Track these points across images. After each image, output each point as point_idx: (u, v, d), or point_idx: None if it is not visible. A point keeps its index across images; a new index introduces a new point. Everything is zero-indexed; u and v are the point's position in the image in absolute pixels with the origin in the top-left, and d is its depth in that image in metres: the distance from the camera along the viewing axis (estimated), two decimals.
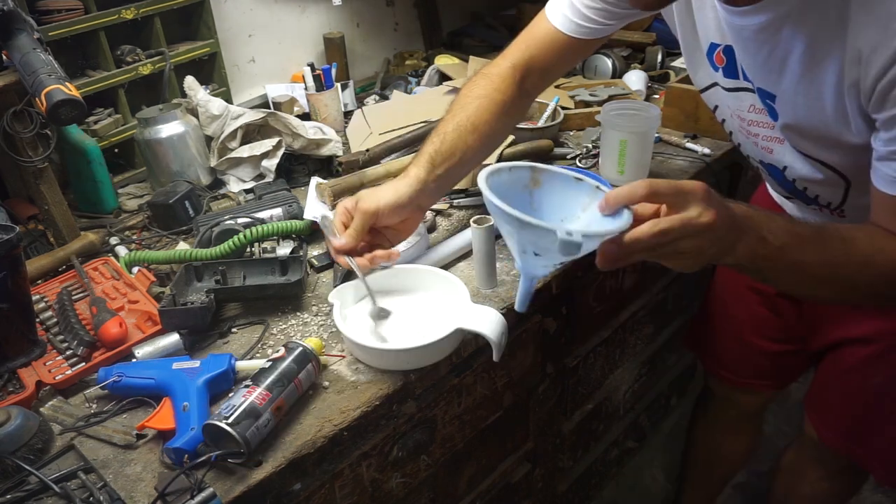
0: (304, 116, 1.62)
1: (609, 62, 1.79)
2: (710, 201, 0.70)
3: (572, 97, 1.61)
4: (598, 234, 0.69)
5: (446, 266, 1.12)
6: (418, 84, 1.79)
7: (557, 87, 1.69)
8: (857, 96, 0.79)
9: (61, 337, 1.00)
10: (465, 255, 1.15)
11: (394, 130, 1.51)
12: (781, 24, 0.82)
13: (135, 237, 1.29)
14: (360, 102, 1.77)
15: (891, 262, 0.80)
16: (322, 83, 1.59)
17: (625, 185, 0.70)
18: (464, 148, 1.02)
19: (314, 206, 1.25)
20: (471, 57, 1.80)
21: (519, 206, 0.69)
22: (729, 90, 1.00)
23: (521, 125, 1.48)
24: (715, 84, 1.03)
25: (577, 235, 0.64)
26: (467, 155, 1.03)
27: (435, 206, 1.28)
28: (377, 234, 0.97)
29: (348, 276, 1.10)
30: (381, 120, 1.58)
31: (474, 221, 1.01)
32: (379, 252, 0.95)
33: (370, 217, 0.93)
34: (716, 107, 1.09)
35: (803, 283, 0.84)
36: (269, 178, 1.40)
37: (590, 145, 1.45)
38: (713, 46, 0.98)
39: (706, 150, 1.42)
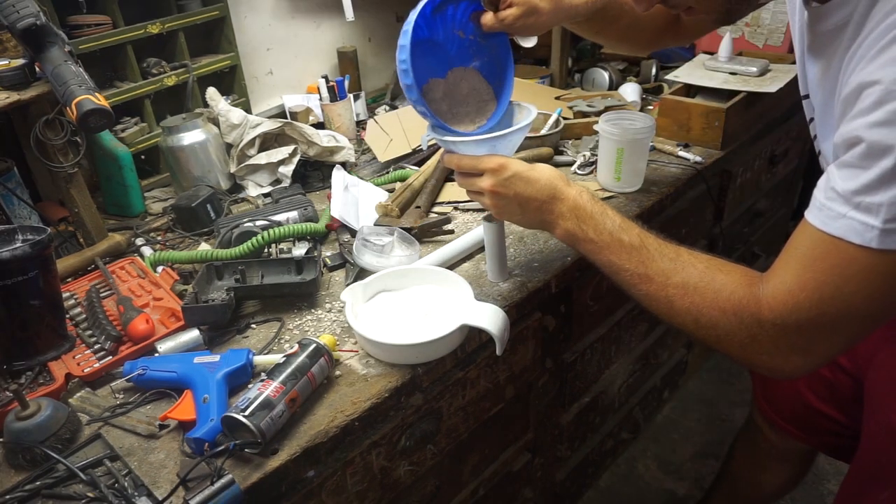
0: (319, 125, 1.62)
1: (606, 75, 1.78)
2: (497, 174, 0.88)
3: (571, 108, 1.60)
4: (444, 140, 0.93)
5: (451, 266, 1.11)
6: None
7: (557, 98, 1.68)
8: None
9: (90, 332, 1.00)
10: (470, 255, 1.15)
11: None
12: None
13: (159, 238, 1.29)
14: (372, 112, 1.76)
15: (713, 292, 0.73)
16: (336, 94, 1.59)
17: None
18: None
19: (337, 203, 1.23)
20: None
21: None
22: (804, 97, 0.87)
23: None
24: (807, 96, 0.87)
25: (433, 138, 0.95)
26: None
27: (439, 210, 1.28)
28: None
29: (360, 275, 1.09)
30: (394, 127, 1.57)
31: (485, 218, 1.01)
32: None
33: None
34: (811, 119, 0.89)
35: (624, 284, 0.83)
36: (286, 183, 1.40)
37: (588, 153, 1.44)
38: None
39: (698, 158, 1.41)
